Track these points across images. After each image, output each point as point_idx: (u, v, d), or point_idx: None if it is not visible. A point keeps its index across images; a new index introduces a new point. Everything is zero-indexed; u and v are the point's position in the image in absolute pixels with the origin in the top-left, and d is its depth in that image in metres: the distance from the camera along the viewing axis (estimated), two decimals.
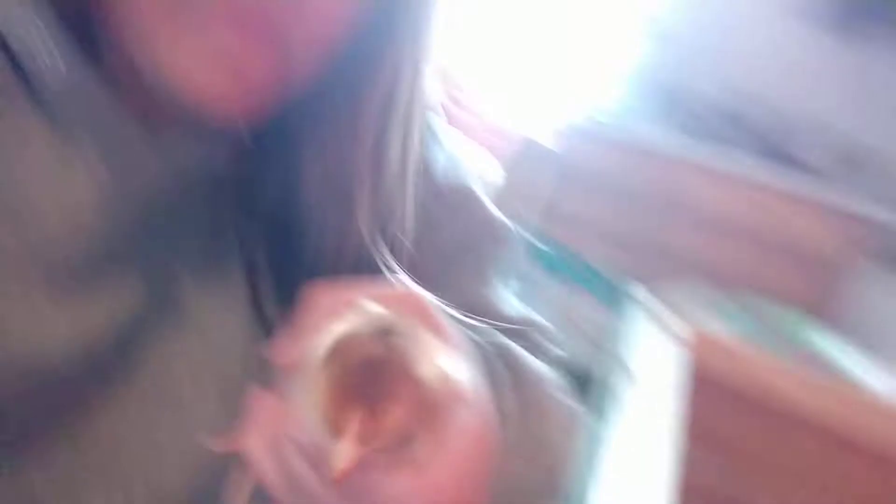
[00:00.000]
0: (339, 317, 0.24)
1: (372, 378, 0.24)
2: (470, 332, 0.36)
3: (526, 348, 0.44)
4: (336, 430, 0.23)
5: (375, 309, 0.24)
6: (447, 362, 0.24)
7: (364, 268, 0.37)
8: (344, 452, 0.23)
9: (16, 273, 0.33)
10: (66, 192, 0.32)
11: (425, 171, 0.42)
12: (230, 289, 0.38)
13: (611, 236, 1.92)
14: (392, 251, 0.38)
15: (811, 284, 1.86)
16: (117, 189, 0.33)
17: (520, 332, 0.45)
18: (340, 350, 0.23)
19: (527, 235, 0.72)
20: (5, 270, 0.33)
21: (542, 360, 0.45)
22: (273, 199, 0.37)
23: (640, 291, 0.93)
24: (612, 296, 0.99)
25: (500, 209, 0.49)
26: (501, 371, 0.38)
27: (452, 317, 0.29)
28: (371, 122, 0.35)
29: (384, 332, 0.24)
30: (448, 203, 0.45)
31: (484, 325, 0.41)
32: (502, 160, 1.68)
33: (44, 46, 0.29)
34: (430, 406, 0.24)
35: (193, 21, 0.28)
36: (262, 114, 0.32)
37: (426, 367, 0.24)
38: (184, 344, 0.36)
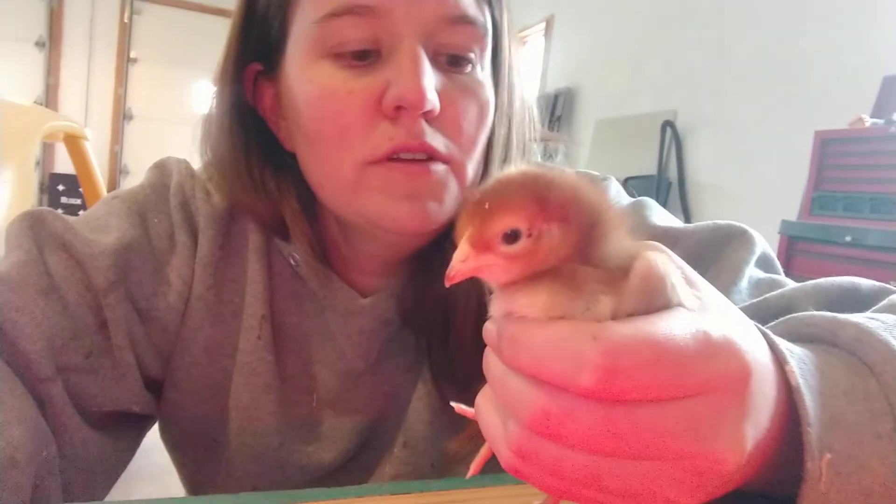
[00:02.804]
0: None
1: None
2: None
3: None
4: None
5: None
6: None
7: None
8: (461, 250, 0.26)
9: (302, 398, 0.57)
10: (328, 338, 0.58)
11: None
12: (416, 376, 0.60)
13: None
14: None
15: None
16: (345, 329, 0.57)
17: None
18: None
19: None
20: (295, 397, 0.57)
21: None
22: (428, 310, 0.57)
23: None
24: None
25: None
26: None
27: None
28: None
29: None
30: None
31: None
32: None
33: (304, 265, 0.55)
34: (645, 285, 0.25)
35: (391, 197, 0.48)
36: (432, 233, 0.51)
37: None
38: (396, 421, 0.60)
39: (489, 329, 0.27)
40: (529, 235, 0.25)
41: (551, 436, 0.24)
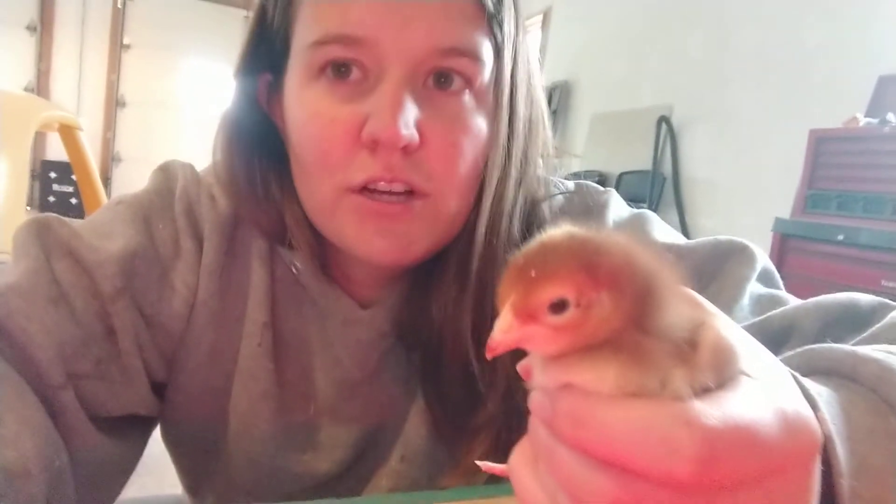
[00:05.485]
0: None
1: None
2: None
3: None
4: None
5: None
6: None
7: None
8: (504, 320, 0.23)
9: (300, 405, 0.57)
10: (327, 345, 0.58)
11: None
12: (415, 388, 0.59)
13: None
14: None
15: None
16: (342, 338, 0.57)
17: None
18: None
19: None
20: (293, 404, 0.57)
21: None
22: (420, 329, 0.56)
23: None
24: None
25: None
26: None
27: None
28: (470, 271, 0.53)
29: None
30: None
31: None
32: None
33: (305, 273, 0.56)
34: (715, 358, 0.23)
35: (364, 229, 0.49)
36: (412, 263, 0.52)
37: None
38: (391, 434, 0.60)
39: (539, 401, 0.25)
40: (578, 305, 0.23)
41: None
